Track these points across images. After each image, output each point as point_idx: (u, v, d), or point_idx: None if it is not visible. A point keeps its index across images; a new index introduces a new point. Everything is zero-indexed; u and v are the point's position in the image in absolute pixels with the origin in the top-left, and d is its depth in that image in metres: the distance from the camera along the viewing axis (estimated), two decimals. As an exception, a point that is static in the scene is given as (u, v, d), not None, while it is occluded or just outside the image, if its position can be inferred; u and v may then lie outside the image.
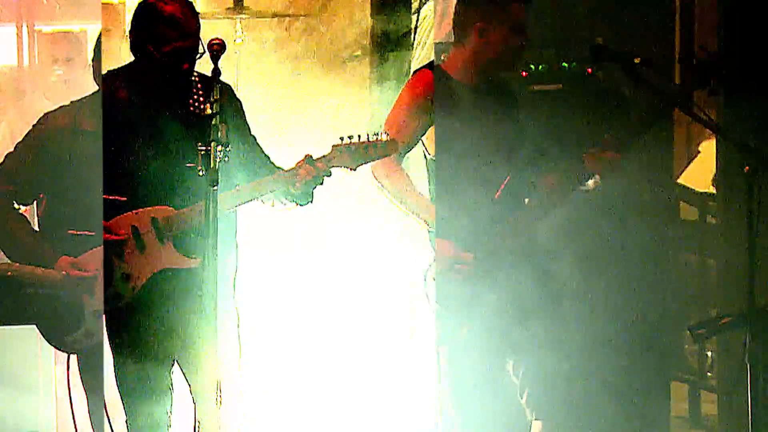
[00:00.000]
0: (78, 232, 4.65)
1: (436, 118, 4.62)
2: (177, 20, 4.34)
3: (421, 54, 5.94)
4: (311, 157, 4.43)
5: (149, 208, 4.42)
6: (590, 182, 4.60)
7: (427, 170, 4.74)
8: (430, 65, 4.75)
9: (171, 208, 4.43)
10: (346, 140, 4.43)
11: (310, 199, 4.47)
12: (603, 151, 4.58)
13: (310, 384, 5.53)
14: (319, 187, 4.45)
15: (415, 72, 4.83)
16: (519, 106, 4.73)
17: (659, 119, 4.69)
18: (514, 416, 4.72)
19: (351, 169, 4.44)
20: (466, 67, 4.66)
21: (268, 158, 4.57)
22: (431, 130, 4.67)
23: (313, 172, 4.41)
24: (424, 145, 4.73)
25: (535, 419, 4.70)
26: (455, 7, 4.71)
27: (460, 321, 4.59)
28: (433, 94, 4.64)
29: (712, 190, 6.00)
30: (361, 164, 4.45)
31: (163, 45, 4.34)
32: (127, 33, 4.45)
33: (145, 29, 4.38)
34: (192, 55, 4.35)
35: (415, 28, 5.84)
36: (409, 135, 4.66)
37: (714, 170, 5.88)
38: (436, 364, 4.70)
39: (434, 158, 4.67)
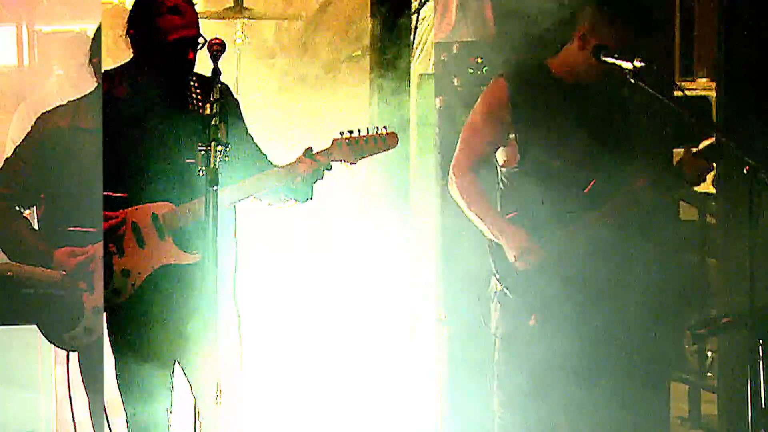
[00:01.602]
0: (78, 229, 4.65)
1: (522, 119, 4.64)
2: (181, 9, 4.37)
3: (421, 54, 5.94)
4: (311, 150, 4.44)
5: (149, 204, 4.43)
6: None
7: (499, 183, 4.76)
8: (504, 75, 4.76)
9: (171, 204, 4.43)
10: (347, 134, 4.45)
11: (309, 196, 4.48)
12: (697, 160, 4.62)
13: (310, 383, 5.53)
14: (320, 183, 4.46)
15: (491, 82, 4.83)
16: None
17: None
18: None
19: (351, 163, 4.48)
20: (577, 60, 4.66)
21: (266, 157, 4.58)
22: (504, 145, 4.72)
23: (313, 165, 4.42)
24: (496, 158, 4.76)
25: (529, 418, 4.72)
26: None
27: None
28: (510, 102, 4.68)
29: (712, 190, 6.00)
30: (361, 158, 4.48)
31: (170, 34, 4.36)
32: (127, 30, 4.45)
33: (148, 21, 4.38)
34: (196, 44, 4.36)
35: (415, 28, 5.84)
36: (484, 147, 4.73)
37: (714, 170, 5.88)
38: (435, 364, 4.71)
39: (510, 169, 4.70)
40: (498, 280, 4.68)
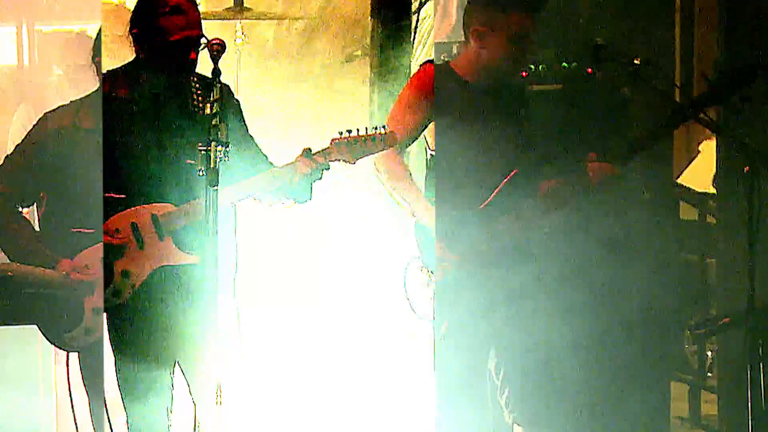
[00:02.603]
0: (79, 230, 4.65)
1: (436, 113, 4.63)
2: (183, 9, 4.36)
3: (421, 54, 5.94)
4: (309, 150, 4.44)
5: (149, 205, 4.43)
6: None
7: (427, 165, 4.75)
8: (432, 60, 4.76)
9: (171, 205, 4.43)
10: (345, 134, 4.45)
11: (309, 197, 4.48)
12: (603, 163, 4.58)
13: (309, 384, 5.52)
14: (319, 183, 4.46)
15: (420, 66, 4.84)
16: (523, 107, 4.73)
17: (661, 135, 4.69)
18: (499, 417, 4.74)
19: (350, 163, 4.48)
20: (470, 66, 4.66)
21: (266, 158, 4.58)
22: (432, 125, 4.69)
23: (312, 165, 4.42)
24: (426, 139, 4.75)
25: (515, 423, 4.71)
26: (465, 6, 4.71)
27: (442, 317, 4.60)
28: (433, 89, 4.66)
29: (712, 190, 6.00)
30: (360, 158, 4.48)
31: (172, 34, 4.35)
32: (128, 30, 4.45)
33: (151, 22, 4.38)
34: (198, 44, 4.36)
35: (415, 28, 5.84)
36: (411, 128, 4.68)
37: (714, 170, 5.88)
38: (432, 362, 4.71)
39: (433, 153, 4.69)
40: (423, 264, 4.64)
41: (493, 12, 4.58)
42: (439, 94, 4.64)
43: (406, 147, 4.73)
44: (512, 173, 4.57)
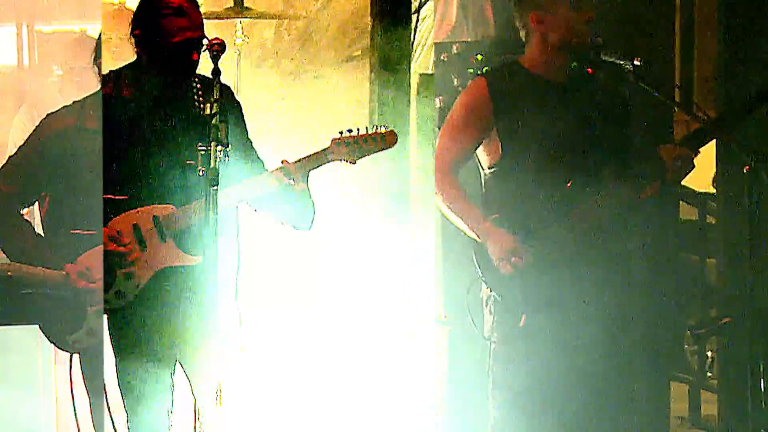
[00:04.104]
0: (81, 232, 4.65)
1: (500, 120, 4.63)
2: (185, 11, 4.36)
3: (421, 54, 5.94)
4: (286, 163, 4.46)
5: (150, 207, 4.43)
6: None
7: (482, 184, 4.76)
8: (484, 73, 4.76)
9: (172, 206, 4.43)
10: (346, 134, 4.46)
11: (308, 227, 4.50)
12: (676, 148, 4.60)
13: (310, 384, 5.52)
14: (319, 183, 4.46)
15: (471, 81, 4.83)
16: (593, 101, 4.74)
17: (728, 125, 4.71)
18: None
19: (351, 163, 4.48)
20: (540, 57, 4.66)
21: (263, 163, 4.58)
22: (485, 143, 4.70)
23: (308, 164, 4.43)
24: (478, 159, 4.75)
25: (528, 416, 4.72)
26: (515, 7, 4.71)
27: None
28: (491, 101, 4.67)
29: (712, 190, 6.00)
30: (360, 157, 4.49)
31: (174, 36, 4.34)
32: (130, 31, 4.45)
33: (152, 23, 4.38)
34: (200, 45, 4.35)
35: (415, 28, 5.84)
36: (464, 148, 4.72)
37: (714, 170, 5.88)
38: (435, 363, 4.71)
39: (492, 168, 4.70)
40: (486, 284, 4.67)
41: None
42: (505, 97, 4.64)
43: (459, 167, 4.74)
44: (568, 184, 4.61)
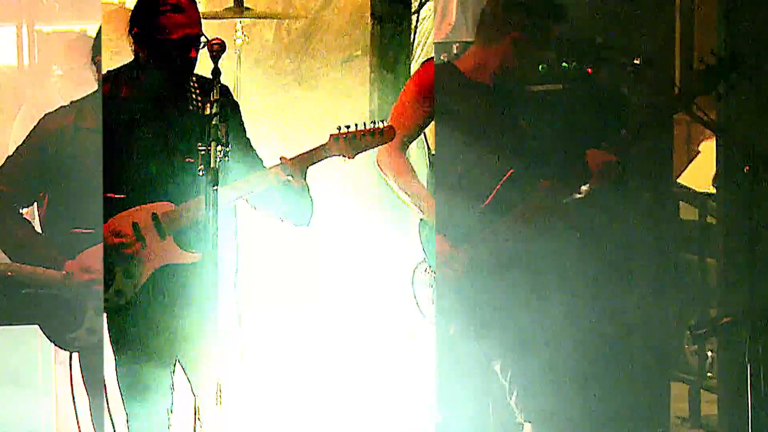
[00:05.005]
0: (81, 231, 4.65)
1: (437, 112, 4.64)
2: (183, 8, 4.37)
3: (421, 54, 5.94)
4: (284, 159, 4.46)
5: (149, 204, 4.43)
6: (584, 188, 4.61)
7: (428, 163, 4.76)
8: (433, 58, 4.78)
9: (171, 204, 4.43)
10: (344, 129, 4.45)
11: (307, 222, 4.49)
12: (603, 154, 4.59)
13: (310, 383, 5.53)
14: (318, 183, 4.46)
15: (422, 64, 4.85)
16: (522, 106, 4.74)
17: (659, 124, 4.70)
18: (505, 418, 4.74)
19: (349, 158, 4.47)
20: (485, 69, 4.65)
21: (261, 162, 4.58)
22: (433, 125, 4.70)
23: (306, 160, 4.43)
24: (425, 138, 4.76)
25: (526, 421, 4.71)
26: (486, 9, 4.70)
27: (450, 319, 4.61)
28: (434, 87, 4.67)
29: (712, 190, 5.99)
30: (359, 153, 4.48)
31: (173, 32, 4.36)
32: (129, 30, 4.45)
33: (151, 20, 4.38)
34: (198, 42, 4.37)
35: (415, 28, 5.84)
36: (412, 126, 4.69)
37: (714, 170, 5.88)
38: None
39: (434, 152, 4.70)
40: (426, 259, 4.65)
41: (531, 20, 4.59)
42: (440, 92, 4.65)
43: (408, 145, 4.74)
44: (509, 173, 4.58)
